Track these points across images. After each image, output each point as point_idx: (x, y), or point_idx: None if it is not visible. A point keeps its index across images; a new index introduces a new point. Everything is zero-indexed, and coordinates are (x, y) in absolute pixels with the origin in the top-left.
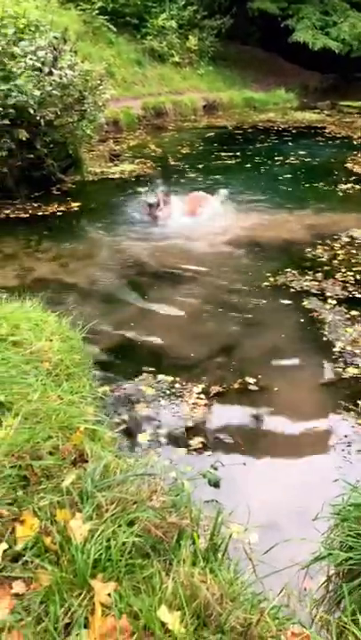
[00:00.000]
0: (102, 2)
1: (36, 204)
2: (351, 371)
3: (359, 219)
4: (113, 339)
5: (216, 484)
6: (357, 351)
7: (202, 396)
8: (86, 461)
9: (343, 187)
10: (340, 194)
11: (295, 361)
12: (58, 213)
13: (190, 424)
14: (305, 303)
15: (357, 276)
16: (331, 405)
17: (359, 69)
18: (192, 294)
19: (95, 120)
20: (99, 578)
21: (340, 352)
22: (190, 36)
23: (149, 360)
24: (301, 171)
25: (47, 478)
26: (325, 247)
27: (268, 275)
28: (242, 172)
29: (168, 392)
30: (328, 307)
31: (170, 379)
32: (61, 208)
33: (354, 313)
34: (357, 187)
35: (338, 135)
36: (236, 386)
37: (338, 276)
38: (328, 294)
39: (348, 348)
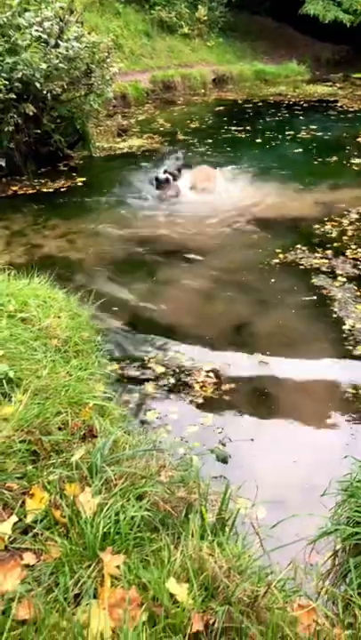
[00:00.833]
0: None
1: (43, 180)
2: None
3: None
4: (122, 316)
5: (224, 460)
6: None
7: (211, 374)
8: (95, 437)
9: (355, 161)
10: (354, 168)
11: (305, 338)
12: (65, 189)
13: (200, 401)
14: (314, 280)
15: None
16: (340, 383)
17: None
18: (201, 271)
19: (103, 94)
20: (108, 550)
21: (349, 330)
22: (200, 6)
23: (159, 337)
24: (313, 145)
25: (57, 453)
26: (334, 223)
27: (279, 251)
28: (252, 147)
29: (178, 370)
30: (338, 284)
31: (179, 356)
32: (69, 184)
33: None
34: None
35: (350, 109)
36: (245, 363)
37: (348, 252)
38: (338, 272)
39: (358, 325)
